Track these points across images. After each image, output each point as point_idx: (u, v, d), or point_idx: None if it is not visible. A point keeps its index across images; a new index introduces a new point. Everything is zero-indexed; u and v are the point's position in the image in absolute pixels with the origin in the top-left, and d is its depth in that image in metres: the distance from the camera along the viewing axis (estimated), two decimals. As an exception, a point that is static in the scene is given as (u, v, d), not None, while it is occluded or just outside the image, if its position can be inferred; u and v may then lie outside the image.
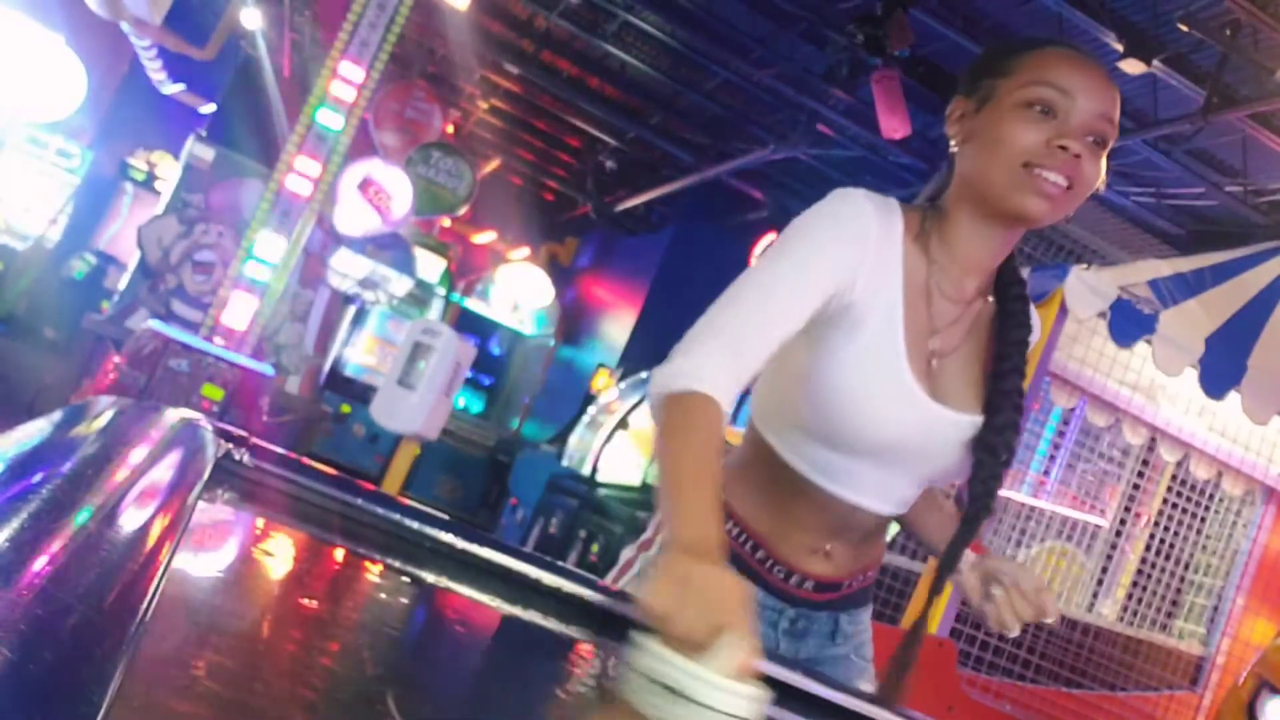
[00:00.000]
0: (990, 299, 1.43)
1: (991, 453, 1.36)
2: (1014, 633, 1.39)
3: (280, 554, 0.98)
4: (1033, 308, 1.46)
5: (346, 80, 6.17)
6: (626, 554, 1.53)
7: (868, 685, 1.50)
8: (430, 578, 1.02)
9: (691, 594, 0.89)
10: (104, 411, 0.76)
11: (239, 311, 6.13)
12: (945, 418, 1.35)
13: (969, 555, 1.43)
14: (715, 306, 1.27)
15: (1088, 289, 3.80)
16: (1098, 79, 1.32)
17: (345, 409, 10.14)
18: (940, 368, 1.37)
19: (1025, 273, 4.07)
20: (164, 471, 0.68)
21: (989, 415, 1.38)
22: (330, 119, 6.16)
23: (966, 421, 1.37)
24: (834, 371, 1.31)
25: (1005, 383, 1.38)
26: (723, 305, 1.27)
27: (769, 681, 1.08)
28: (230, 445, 0.95)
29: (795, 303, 1.27)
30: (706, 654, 0.85)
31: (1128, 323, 3.78)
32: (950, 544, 1.42)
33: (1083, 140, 1.28)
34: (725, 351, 1.22)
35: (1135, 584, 5.17)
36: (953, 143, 1.37)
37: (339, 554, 1.03)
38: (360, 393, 9.95)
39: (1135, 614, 5.06)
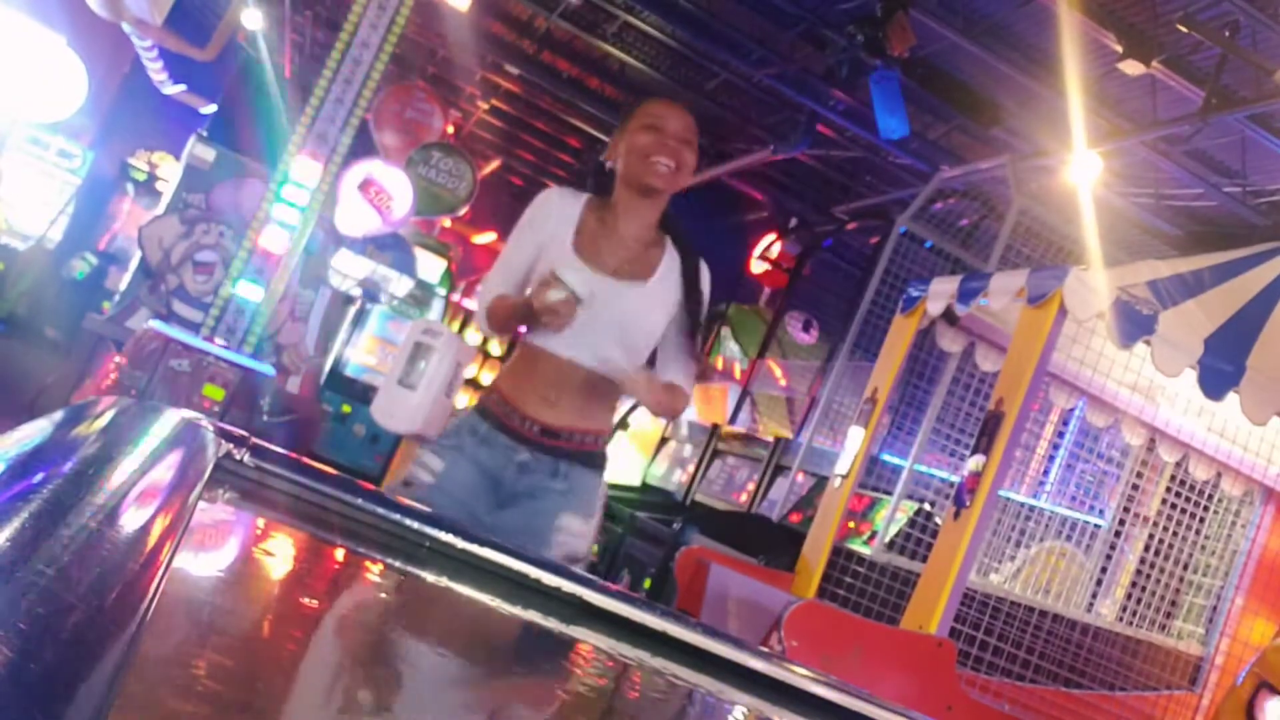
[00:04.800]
0: (663, 238, 2.33)
1: (689, 306, 2.30)
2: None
3: (280, 554, 0.99)
4: (702, 268, 2.35)
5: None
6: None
7: (579, 523, 2.21)
8: (430, 577, 1.03)
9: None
10: (105, 411, 0.76)
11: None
12: (606, 283, 2.18)
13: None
14: (491, 270, 2.35)
15: (1087, 290, 3.81)
16: (678, 109, 2.30)
17: (345, 409, 10.12)
18: (617, 265, 2.24)
19: (1023, 275, 4.08)
20: (165, 471, 0.68)
21: (684, 274, 2.29)
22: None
23: (625, 286, 2.21)
24: (540, 268, 2.22)
25: (687, 263, 2.30)
26: (492, 267, 2.35)
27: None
28: (231, 445, 0.95)
29: (518, 258, 2.30)
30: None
31: (1127, 323, 3.78)
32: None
33: (675, 140, 2.23)
34: (496, 288, 2.31)
35: (1134, 584, 5.17)
36: (610, 161, 2.31)
37: (339, 553, 1.03)
38: (360, 393, 9.94)
39: (1134, 614, 5.07)
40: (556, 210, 2.30)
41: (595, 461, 2.29)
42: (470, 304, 12.17)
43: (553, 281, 2.09)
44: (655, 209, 2.30)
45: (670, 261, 2.31)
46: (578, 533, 2.21)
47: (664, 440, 8.38)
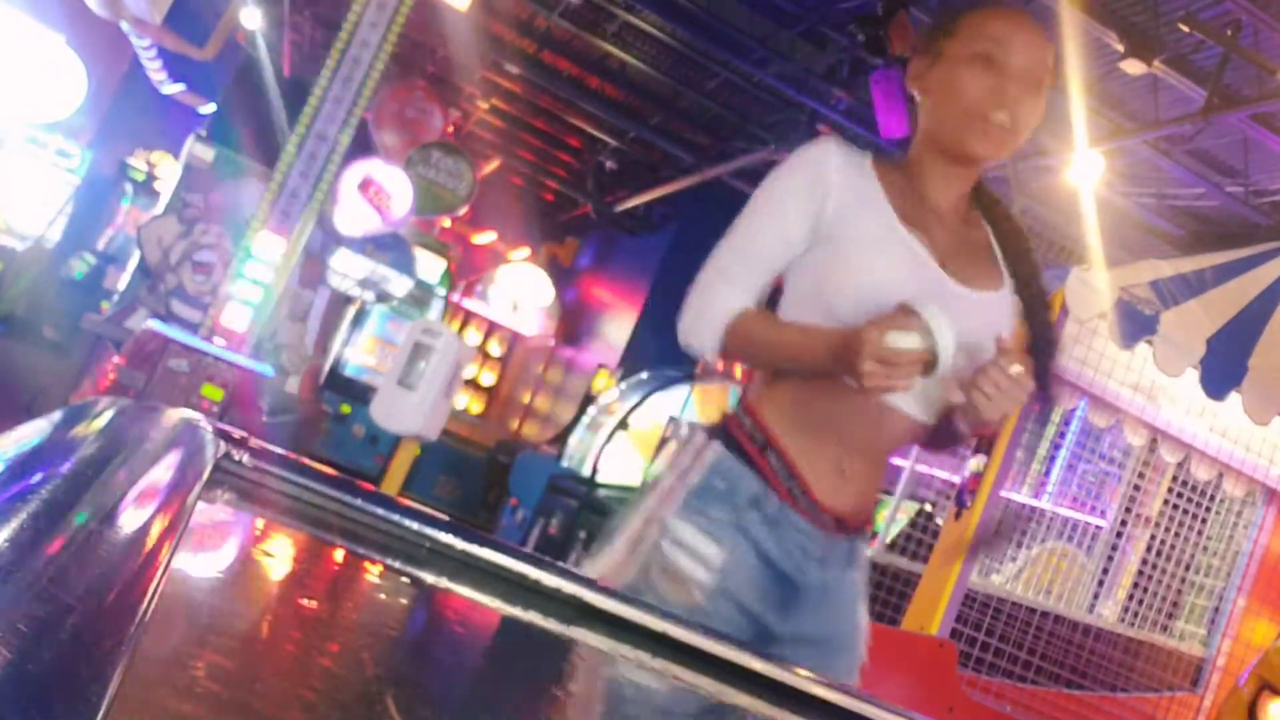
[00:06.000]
0: (978, 227, 1.61)
1: (1034, 314, 1.56)
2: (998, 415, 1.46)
3: (280, 555, 0.98)
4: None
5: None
6: (668, 482, 1.55)
7: (865, 615, 1.63)
8: (430, 578, 1.02)
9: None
10: (103, 412, 0.76)
11: (237, 316, 6.13)
12: (955, 289, 1.49)
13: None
14: (716, 253, 1.55)
15: (1088, 290, 3.80)
16: (1030, 30, 1.50)
17: (345, 409, 10.13)
18: (962, 264, 1.53)
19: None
20: (163, 472, 0.68)
21: (1024, 282, 1.56)
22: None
23: (979, 298, 1.51)
24: (846, 258, 1.48)
25: (1025, 266, 1.57)
26: (722, 252, 1.55)
27: (765, 681, 1.08)
28: (230, 446, 0.95)
29: (778, 237, 1.52)
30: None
31: (1129, 323, 3.78)
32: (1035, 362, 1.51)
33: (1020, 85, 1.47)
34: (735, 289, 1.52)
35: (1136, 585, 5.16)
36: (915, 99, 1.57)
37: (338, 555, 1.03)
38: (360, 393, 9.94)
39: (1136, 615, 5.06)
40: (843, 169, 1.51)
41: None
42: (474, 305, 12.17)
43: (903, 320, 1.33)
44: (972, 177, 1.58)
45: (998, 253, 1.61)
46: (866, 628, 1.63)
47: (664, 440, 8.38)
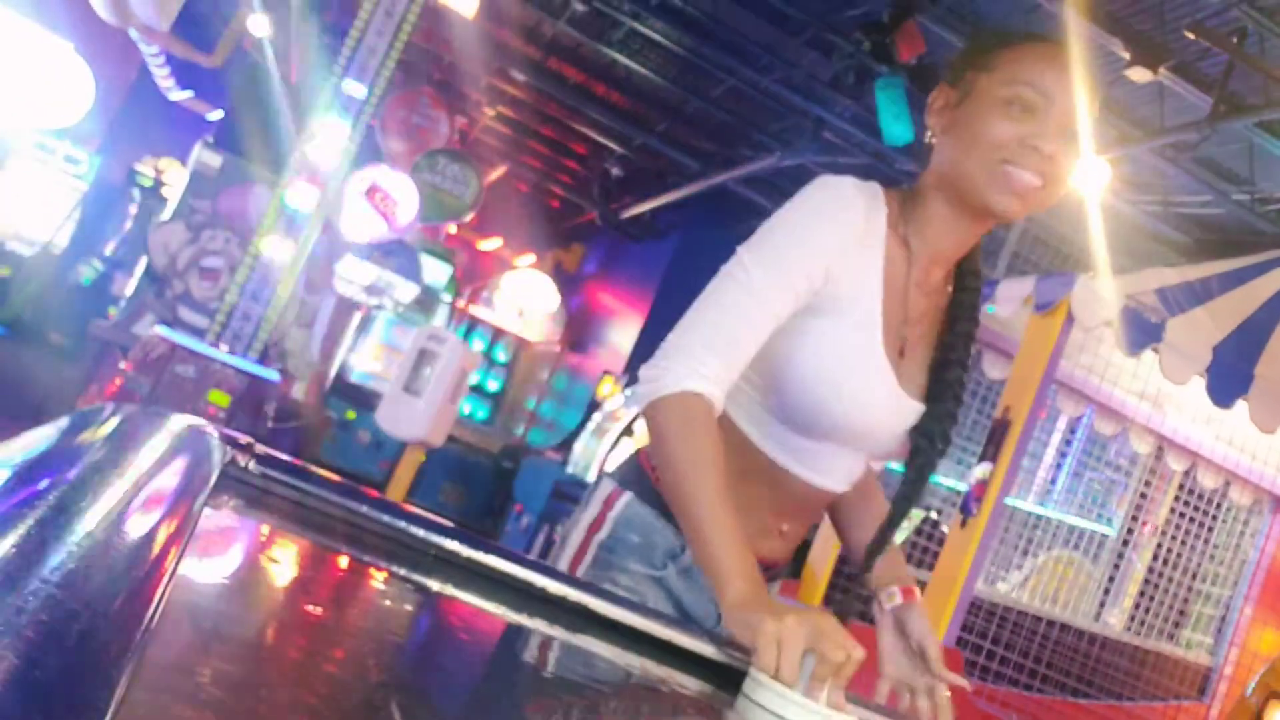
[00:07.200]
0: (949, 289, 1.45)
1: (929, 440, 1.39)
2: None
3: (285, 561, 0.98)
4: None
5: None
6: (576, 539, 1.48)
7: None
8: (435, 585, 1.02)
9: (788, 637, 1.01)
10: (110, 417, 0.76)
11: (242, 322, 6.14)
12: (908, 406, 1.38)
13: (897, 597, 1.52)
14: (701, 303, 1.32)
15: (1095, 297, 3.80)
16: (1077, 71, 1.33)
17: (350, 415, 10.15)
18: (907, 357, 1.39)
19: (1031, 282, 4.07)
20: (170, 478, 0.68)
21: (931, 403, 1.40)
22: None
23: (918, 408, 1.40)
24: (815, 360, 1.33)
25: (949, 373, 1.40)
26: (708, 303, 1.32)
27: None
28: (236, 452, 0.95)
29: (779, 300, 1.30)
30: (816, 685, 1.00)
31: (1135, 331, 3.77)
32: (880, 529, 1.47)
33: (1058, 139, 1.28)
34: (712, 352, 1.26)
35: (1142, 593, 5.15)
36: (930, 133, 1.38)
37: (344, 561, 1.03)
38: (366, 399, 9.96)
39: (1142, 624, 5.04)
40: (859, 241, 1.34)
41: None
42: (480, 312, 12.18)
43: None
44: (981, 231, 1.39)
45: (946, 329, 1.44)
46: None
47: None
